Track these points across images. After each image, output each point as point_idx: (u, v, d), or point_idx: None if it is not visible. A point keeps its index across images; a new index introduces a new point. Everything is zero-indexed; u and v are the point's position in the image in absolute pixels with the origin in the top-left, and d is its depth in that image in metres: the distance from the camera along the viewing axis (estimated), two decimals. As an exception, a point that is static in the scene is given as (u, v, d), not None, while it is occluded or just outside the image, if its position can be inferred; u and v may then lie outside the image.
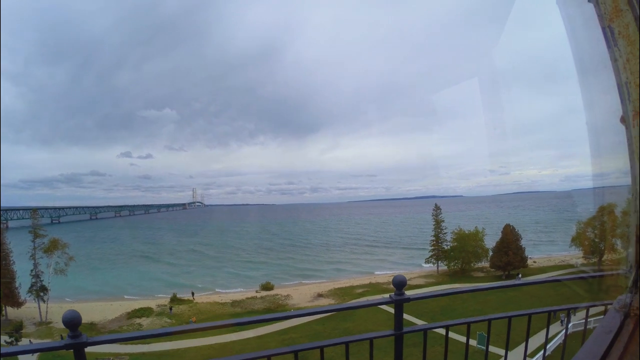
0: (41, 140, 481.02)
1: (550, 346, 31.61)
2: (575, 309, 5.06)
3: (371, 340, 4.06)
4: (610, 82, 2.34)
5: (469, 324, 4.40)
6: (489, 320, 4.48)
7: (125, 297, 70.40)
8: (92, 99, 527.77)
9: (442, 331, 4.38)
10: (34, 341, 46.08)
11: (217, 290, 77.19)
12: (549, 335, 4.93)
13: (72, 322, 2.94)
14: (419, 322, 48.60)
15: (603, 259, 56.85)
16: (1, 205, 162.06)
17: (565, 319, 36.80)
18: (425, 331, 4.30)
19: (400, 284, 3.90)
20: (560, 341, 30.79)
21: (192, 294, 70.67)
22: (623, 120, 2.39)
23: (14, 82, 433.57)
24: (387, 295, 3.97)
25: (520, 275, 70.71)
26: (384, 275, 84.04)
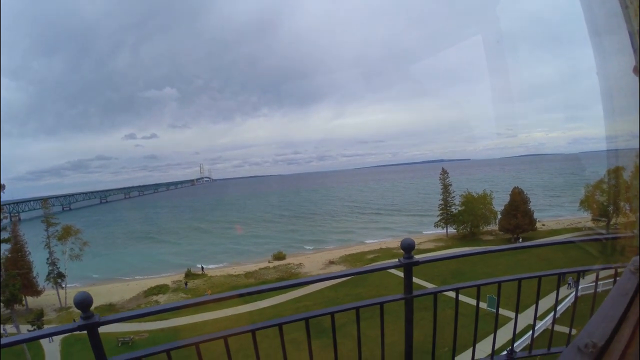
0: (46, 130, 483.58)
1: (559, 309, 31.89)
2: (585, 272, 5.00)
3: (381, 304, 4.09)
4: (625, 41, 2.22)
5: (478, 286, 4.41)
6: (499, 283, 4.51)
7: (141, 276, 71.48)
8: (92, 85, 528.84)
9: (452, 294, 4.46)
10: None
11: (229, 262, 77.95)
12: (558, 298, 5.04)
13: (84, 303, 3.00)
14: (430, 286, 49.08)
15: (612, 222, 56.90)
16: (10, 198, 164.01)
17: (573, 281, 37.23)
18: (435, 294, 4.34)
19: (408, 247, 3.91)
20: (569, 304, 31.15)
21: (202, 268, 71.68)
22: (636, 70, 2.22)
23: (13, 76, 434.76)
24: (396, 260, 4.09)
25: (520, 239, 71.12)
26: (393, 240, 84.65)
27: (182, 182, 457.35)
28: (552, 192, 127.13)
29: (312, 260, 71.66)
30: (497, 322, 5.29)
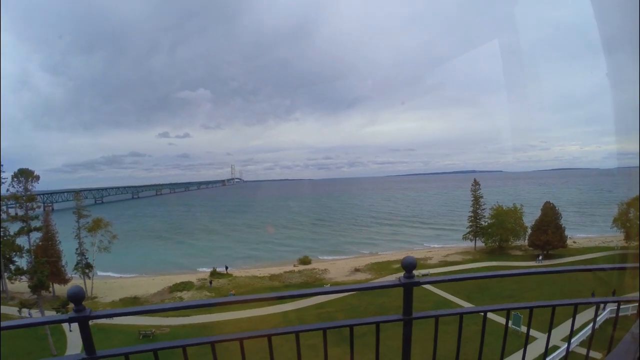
0: (83, 125, 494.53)
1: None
2: (604, 304, 4.77)
3: (377, 324, 3.86)
4: None
5: (485, 312, 4.07)
6: (508, 310, 4.13)
7: (167, 271, 72.28)
8: (129, 83, 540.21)
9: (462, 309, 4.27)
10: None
11: (254, 264, 78.17)
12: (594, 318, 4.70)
13: (76, 297, 3.07)
14: (455, 300, 48.76)
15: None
16: (46, 189, 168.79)
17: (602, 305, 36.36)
18: (436, 318, 3.99)
19: (409, 265, 3.65)
20: (597, 326, 30.48)
21: (226, 268, 71.98)
22: None
23: (53, 72, 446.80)
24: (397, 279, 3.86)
25: (540, 257, 69.76)
26: (420, 250, 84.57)
27: (213, 182, 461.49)
28: (584, 209, 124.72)
29: (338, 267, 71.59)
30: (503, 344, 5.11)
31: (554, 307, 4.13)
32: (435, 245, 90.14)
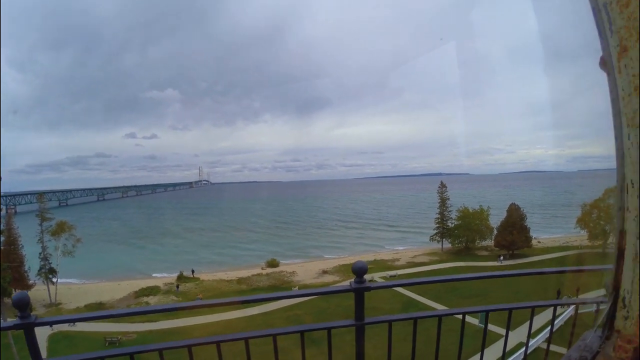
0: (48, 125, 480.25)
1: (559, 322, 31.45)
2: (561, 305, 4.83)
3: (329, 329, 3.81)
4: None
5: (440, 317, 4.09)
6: (463, 314, 4.25)
7: (132, 276, 70.77)
8: (97, 82, 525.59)
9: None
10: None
11: (221, 267, 77.60)
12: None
13: (21, 303, 2.97)
14: (423, 300, 49.25)
15: (608, 242, 56.72)
16: (9, 190, 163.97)
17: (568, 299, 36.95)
18: (390, 323, 3.97)
19: (360, 270, 3.65)
20: (563, 322, 30.94)
21: (192, 271, 71.06)
22: (603, 63, 2.12)
23: (19, 69, 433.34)
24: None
25: (501, 258, 71.39)
26: (388, 252, 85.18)
27: (180, 184, 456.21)
28: (549, 210, 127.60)
29: (305, 269, 71.57)
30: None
31: (510, 310, 4.21)
32: (402, 248, 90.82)
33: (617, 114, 2.07)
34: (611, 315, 2.25)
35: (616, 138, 2.10)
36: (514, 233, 71.82)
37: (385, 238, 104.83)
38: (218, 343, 3.50)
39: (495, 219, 79.80)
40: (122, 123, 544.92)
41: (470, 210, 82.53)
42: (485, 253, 77.15)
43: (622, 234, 2.18)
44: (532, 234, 76.43)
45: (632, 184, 2.04)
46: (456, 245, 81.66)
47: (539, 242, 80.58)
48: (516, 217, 74.00)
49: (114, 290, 61.95)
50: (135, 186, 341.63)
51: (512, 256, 71.96)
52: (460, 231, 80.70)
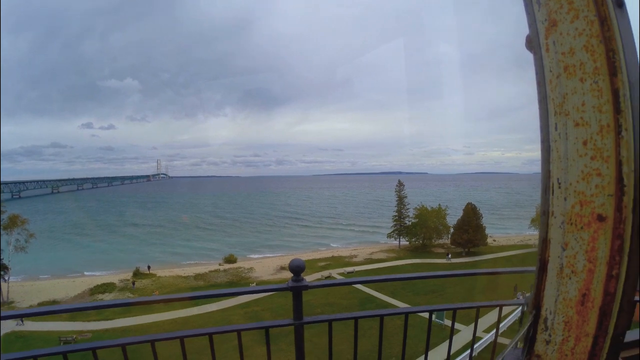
0: (3, 112, 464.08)
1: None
2: (504, 306, 4.47)
3: (267, 329, 3.78)
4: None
5: (382, 316, 4.04)
6: (406, 314, 4.15)
7: (87, 273, 68.90)
8: (56, 68, 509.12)
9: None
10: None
11: (179, 263, 76.38)
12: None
13: None
14: (380, 296, 49.71)
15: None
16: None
17: (521, 295, 37.95)
18: (330, 322, 3.90)
19: (297, 269, 3.64)
20: (516, 318, 31.76)
21: (149, 267, 69.77)
22: (529, 42, 1.84)
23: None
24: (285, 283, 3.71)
25: (449, 255, 72.80)
26: (346, 249, 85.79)
27: (137, 177, 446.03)
28: (504, 210, 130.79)
29: (264, 265, 71.19)
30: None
31: (454, 310, 4.17)
32: (359, 245, 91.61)
33: (543, 99, 1.80)
34: (531, 337, 1.98)
35: (541, 128, 1.82)
36: (469, 231, 73.35)
37: (343, 233, 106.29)
38: (152, 342, 3.42)
39: (452, 218, 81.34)
40: (79, 112, 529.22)
41: (428, 209, 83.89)
42: (442, 250, 78.22)
43: (545, 243, 1.90)
44: (488, 232, 78.38)
45: (559, 183, 1.78)
46: (413, 243, 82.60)
47: (494, 240, 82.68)
48: (472, 216, 75.52)
49: (68, 287, 60.18)
50: (92, 178, 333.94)
51: (468, 254, 73.52)
52: (418, 229, 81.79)
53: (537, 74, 1.80)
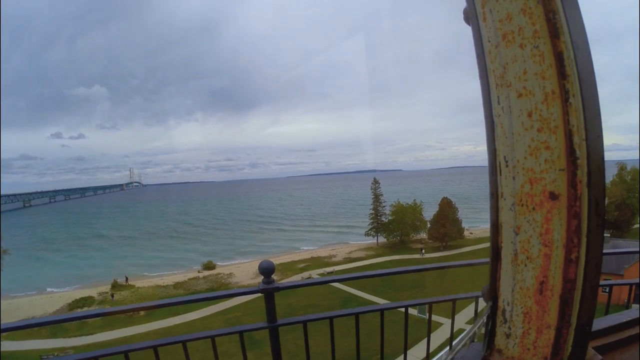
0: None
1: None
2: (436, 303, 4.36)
3: (241, 333, 3.75)
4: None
5: (357, 314, 4.02)
6: (381, 311, 4.13)
7: (65, 288, 67.23)
8: (22, 78, 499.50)
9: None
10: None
11: (157, 273, 75.59)
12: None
13: None
14: (362, 295, 49.96)
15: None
16: None
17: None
18: (304, 323, 3.89)
19: (267, 270, 3.59)
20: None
21: (126, 278, 68.88)
22: (467, 14, 1.73)
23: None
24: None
25: (423, 251, 73.59)
26: (325, 249, 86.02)
27: (110, 187, 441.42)
28: (480, 203, 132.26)
29: (243, 270, 70.77)
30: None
31: (431, 304, 4.21)
32: (337, 244, 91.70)
33: (483, 72, 1.66)
34: (491, 330, 1.87)
35: (484, 104, 1.69)
36: (446, 225, 74.09)
37: (320, 234, 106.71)
38: (126, 353, 3.37)
39: (429, 213, 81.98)
40: (47, 122, 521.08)
41: (404, 205, 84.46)
42: (420, 246, 78.72)
43: (497, 227, 1.81)
44: (465, 225, 79.46)
45: (506, 161, 1.65)
46: (391, 240, 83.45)
47: (471, 233, 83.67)
48: (448, 210, 76.39)
49: (46, 303, 58.98)
50: (64, 190, 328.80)
51: (446, 247, 74.20)
52: (395, 225, 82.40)
53: (475, 46, 1.69)
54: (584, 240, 1.44)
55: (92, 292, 62.71)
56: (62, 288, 67.74)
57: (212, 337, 3.62)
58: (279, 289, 3.58)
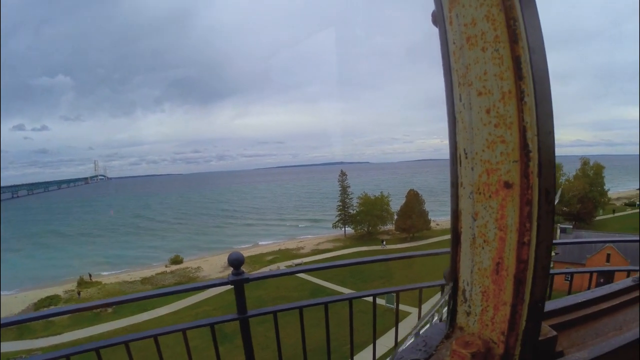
0: None
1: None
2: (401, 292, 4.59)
3: (212, 325, 3.80)
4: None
5: (326, 304, 4.15)
6: (350, 300, 4.28)
7: (28, 286, 65.89)
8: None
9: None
10: None
11: (122, 268, 74.52)
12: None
13: None
14: (329, 285, 50.48)
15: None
16: None
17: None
18: (274, 313, 3.97)
19: (236, 262, 3.62)
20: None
21: (90, 275, 67.71)
22: (435, 18, 1.75)
23: None
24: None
25: (384, 242, 74.63)
26: (292, 241, 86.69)
27: (74, 180, 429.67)
28: (445, 195, 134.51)
29: (211, 264, 70.58)
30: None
31: (398, 293, 4.42)
32: (304, 236, 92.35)
33: (447, 71, 1.75)
34: (452, 309, 1.94)
35: (447, 101, 1.77)
36: (413, 217, 75.38)
37: (286, 227, 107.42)
38: (97, 350, 3.40)
39: (396, 205, 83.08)
40: (9, 113, 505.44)
41: (371, 197, 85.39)
42: (387, 237, 79.63)
43: (457, 214, 1.87)
44: (431, 217, 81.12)
45: (466, 153, 1.74)
46: (359, 231, 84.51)
47: (437, 224, 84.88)
48: (415, 202, 77.69)
49: (10, 303, 57.55)
50: (27, 185, 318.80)
51: (413, 238, 75.52)
52: (362, 217, 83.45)
53: (441, 47, 1.74)
54: (535, 224, 1.55)
55: (58, 290, 61.75)
56: (28, 285, 66.43)
57: (183, 331, 3.70)
58: (248, 280, 3.66)
